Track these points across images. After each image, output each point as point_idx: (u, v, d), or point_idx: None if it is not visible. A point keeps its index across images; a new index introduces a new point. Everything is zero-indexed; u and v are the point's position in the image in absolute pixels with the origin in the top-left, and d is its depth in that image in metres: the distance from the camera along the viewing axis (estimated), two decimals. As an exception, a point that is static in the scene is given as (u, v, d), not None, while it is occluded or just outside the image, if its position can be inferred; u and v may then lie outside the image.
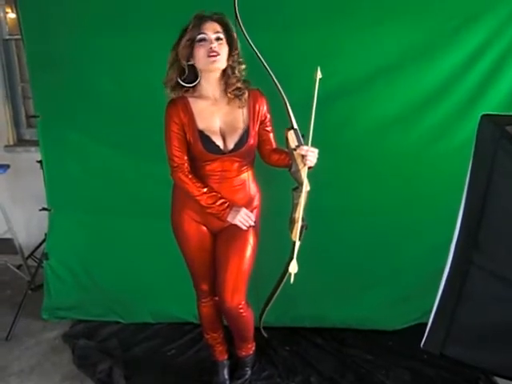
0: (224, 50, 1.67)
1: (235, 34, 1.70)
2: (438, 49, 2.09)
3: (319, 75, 1.61)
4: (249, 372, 2.13)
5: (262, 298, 2.09)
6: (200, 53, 1.65)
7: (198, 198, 1.75)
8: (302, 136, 1.70)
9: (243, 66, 1.73)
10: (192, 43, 1.65)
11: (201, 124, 1.72)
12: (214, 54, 1.64)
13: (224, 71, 1.71)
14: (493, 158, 1.12)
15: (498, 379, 2.06)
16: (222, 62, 1.67)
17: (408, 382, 2.10)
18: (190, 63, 1.69)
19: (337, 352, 2.28)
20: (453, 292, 1.21)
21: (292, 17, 2.10)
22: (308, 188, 1.76)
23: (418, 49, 2.10)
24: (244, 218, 1.76)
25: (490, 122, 1.15)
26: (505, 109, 2.10)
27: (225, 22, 1.68)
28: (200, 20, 1.65)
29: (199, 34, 1.64)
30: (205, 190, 1.74)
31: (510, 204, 1.12)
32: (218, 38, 1.65)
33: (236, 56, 1.70)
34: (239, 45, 1.71)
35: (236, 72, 1.70)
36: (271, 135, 1.83)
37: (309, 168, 1.72)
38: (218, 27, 1.66)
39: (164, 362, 2.27)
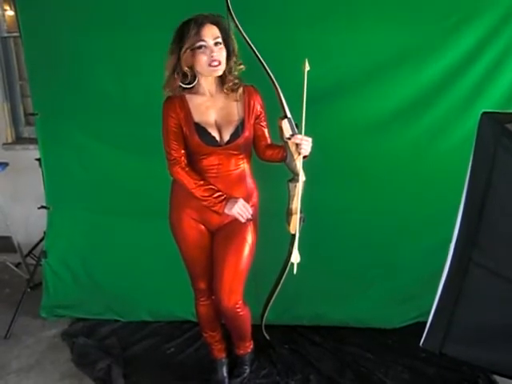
0: (223, 53, 1.67)
1: (233, 36, 1.69)
2: (438, 46, 2.08)
3: (307, 67, 1.64)
4: (247, 370, 2.13)
5: (262, 297, 2.09)
6: (201, 60, 1.66)
7: (194, 190, 1.75)
8: (296, 125, 1.71)
9: (241, 67, 1.73)
10: (193, 50, 1.65)
11: (196, 117, 1.74)
12: (216, 63, 1.65)
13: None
14: (493, 155, 1.11)
15: (497, 378, 2.06)
16: (222, 68, 1.69)
17: (407, 380, 2.10)
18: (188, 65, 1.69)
19: (336, 350, 2.28)
20: (452, 290, 1.21)
21: (290, 14, 2.09)
22: (304, 178, 1.76)
23: (417, 47, 2.09)
24: (241, 209, 1.75)
25: (490, 120, 1.15)
26: (504, 106, 2.10)
27: (222, 24, 1.67)
28: (198, 26, 1.64)
29: (199, 41, 1.64)
30: (201, 182, 1.75)
31: (509, 202, 1.12)
32: (217, 43, 1.65)
33: (235, 58, 1.71)
34: (236, 45, 1.70)
35: (233, 72, 1.72)
36: (266, 130, 1.84)
37: (304, 157, 1.74)
38: (216, 31, 1.65)
39: (163, 361, 2.27)
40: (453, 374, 2.10)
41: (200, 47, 1.64)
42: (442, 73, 2.12)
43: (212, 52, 1.64)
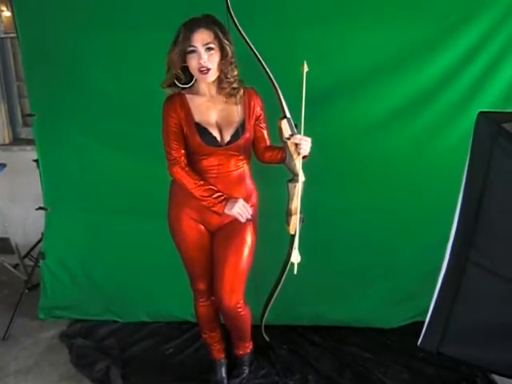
0: (215, 59, 1.66)
1: (226, 40, 1.66)
2: (435, 46, 2.09)
3: (306, 68, 1.66)
4: (246, 370, 2.13)
5: (262, 297, 2.09)
6: (192, 64, 1.66)
7: (193, 190, 1.75)
8: (295, 125, 1.72)
9: (236, 72, 1.71)
10: (183, 54, 1.65)
11: (197, 117, 1.74)
12: (204, 69, 1.64)
13: (218, 75, 1.70)
14: (489, 155, 1.12)
15: (495, 377, 2.06)
16: (213, 74, 1.68)
17: (406, 380, 2.11)
18: (185, 65, 1.68)
19: (335, 350, 2.28)
20: (450, 289, 1.21)
21: (290, 15, 2.09)
22: (303, 178, 1.78)
23: (416, 47, 2.09)
24: (241, 209, 1.74)
25: (486, 119, 1.15)
26: (501, 106, 2.10)
27: (218, 28, 1.65)
28: (189, 31, 1.63)
29: (189, 46, 1.63)
30: (201, 182, 1.75)
31: (506, 201, 1.12)
32: (209, 48, 1.64)
33: (229, 61, 1.68)
34: (233, 48, 1.68)
35: (229, 76, 1.70)
36: (265, 132, 1.84)
37: (303, 157, 1.75)
38: (207, 36, 1.63)
39: (162, 361, 2.26)
40: (451, 373, 2.10)
41: (190, 52, 1.64)
42: (441, 72, 2.12)
43: (200, 58, 1.63)
